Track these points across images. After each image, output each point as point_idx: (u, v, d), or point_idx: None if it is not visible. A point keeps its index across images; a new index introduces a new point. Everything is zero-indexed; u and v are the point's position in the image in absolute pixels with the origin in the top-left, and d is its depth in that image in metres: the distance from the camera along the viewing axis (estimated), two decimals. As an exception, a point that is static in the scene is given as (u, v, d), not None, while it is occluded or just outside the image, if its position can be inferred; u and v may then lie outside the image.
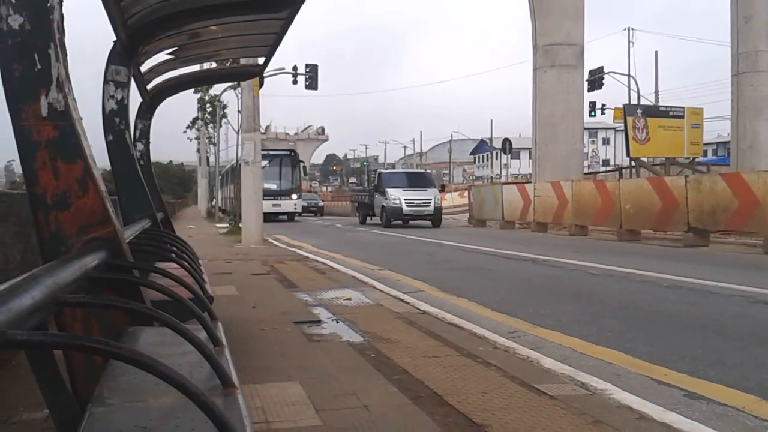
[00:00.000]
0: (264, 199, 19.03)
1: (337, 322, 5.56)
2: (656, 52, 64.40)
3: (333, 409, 3.23)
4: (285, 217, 31.40)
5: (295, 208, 31.33)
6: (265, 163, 21.61)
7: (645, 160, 25.87)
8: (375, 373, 3.88)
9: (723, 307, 6.19)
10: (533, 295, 7.26)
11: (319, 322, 5.60)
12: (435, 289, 7.55)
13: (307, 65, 30.36)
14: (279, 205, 29.58)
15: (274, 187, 28.83)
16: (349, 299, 6.81)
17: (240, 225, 16.49)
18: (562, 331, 5.17)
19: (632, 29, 46.52)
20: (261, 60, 6.70)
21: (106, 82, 4.47)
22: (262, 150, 18.19)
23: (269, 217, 24.46)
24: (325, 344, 4.78)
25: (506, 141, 41.69)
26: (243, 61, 9.79)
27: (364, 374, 3.88)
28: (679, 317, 5.82)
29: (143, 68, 5.55)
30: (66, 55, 2.19)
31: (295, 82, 30.94)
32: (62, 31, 2.17)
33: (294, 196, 31.08)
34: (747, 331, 5.18)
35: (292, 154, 32.94)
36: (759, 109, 23.58)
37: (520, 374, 3.79)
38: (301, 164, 32.61)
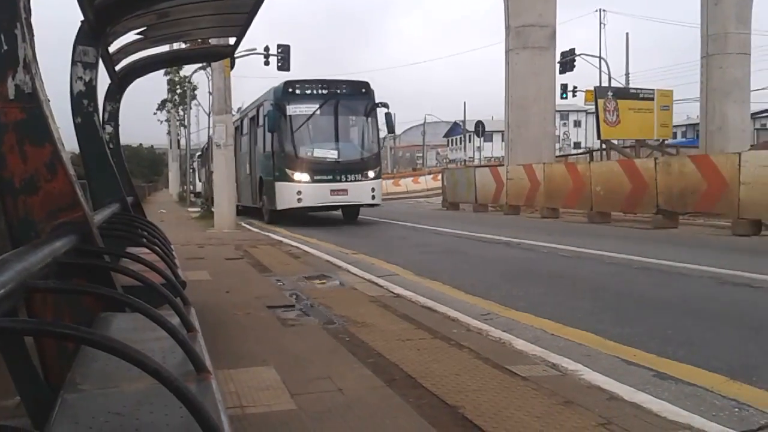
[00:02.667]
0: (312, 180, 15.20)
1: (312, 306, 5.56)
2: (627, 33, 64.72)
3: (307, 392, 3.24)
4: (342, 211, 17.42)
5: (374, 197, 16.04)
6: (307, 108, 15.48)
7: (615, 142, 26.16)
8: (349, 357, 3.90)
9: (692, 289, 6.31)
10: (506, 277, 7.33)
11: (293, 306, 5.59)
12: (409, 272, 7.58)
13: (279, 46, 30.04)
14: (344, 191, 15.48)
15: (329, 155, 15.61)
16: (324, 283, 6.81)
17: (212, 209, 16.36)
18: (534, 313, 5.23)
19: (603, 11, 46.84)
20: (232, 40, 6.62)
21: (73, 63, 4.38)
22: (299, 83, 15.81)
23: (308, 210, 15.89)
24: (299, 328, 4.78)
25: (479, 124, 41.82)
26: (213, 41, 9.63)
27: (338, 358, 3.89)
28: (648, 298, 5.91)
29: (111, 49, 5.45)
30: (33, 35, 2.15)
31: (267, 63, 30.60)
32: (28, 11, 2.12)
33: (371, 174, 16.02)
34: (715, 311, 5.29)
35: (364, 91, 16.58)
36: (728, 91, 23.89)
37: (492, 356, 3.83)
38: (387, 111, 16.68)
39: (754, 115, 41.87)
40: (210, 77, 21.99)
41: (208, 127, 28.60)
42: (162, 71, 30.84)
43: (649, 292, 6.21)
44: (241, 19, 5.42)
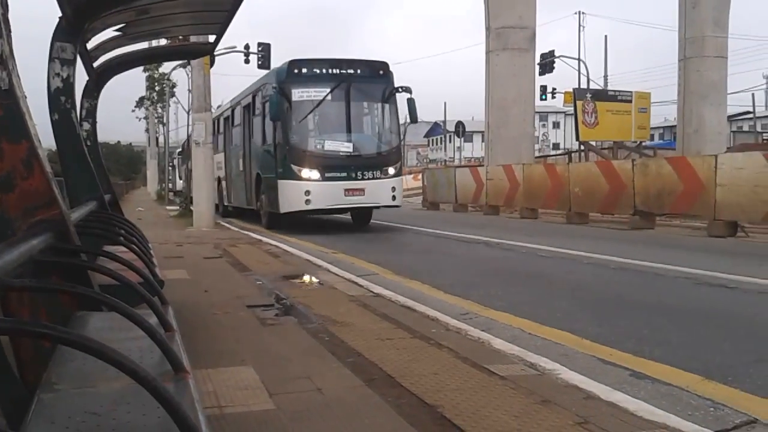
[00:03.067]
0: (323, 178, 12.61)
1: (291, 306, 5.55)
2: (606, 36, 65.28)
3: (286, 392, 3.24)
4: (351, 214, 14.80)
5: (394, 197, 13.54)
6: (317, 93, 13.01)
7: (594, 143, 26.38)
8: (329, 356, 3.90)
9: (668, 289, 6.38)
10: (485, 277, 7.36)
11: (272, 305, 5.58)
12: (389, 272, 7.59)
13: (259, 44, 29.94)
14: (360, 191, 13.01)
15: (343, 149, 13.24)
16: (303, 282, 6.80)
17: (191, 208, 16.26)
18: (512, 313, 5.26)
19: (583, 13, 47.24)
20: (212, 38, 6.58)
21: (51, 59, 4.33)
22: (307, 63, 13.10)
23: (316, 213, 13.57)
24: (278, 328, 4.77)
25: (459, 124, 41.99)
26: (193, 38, 9.58)
27: (317, 357, 3.89)
28: (625, 298, 5.98)
29: (90, 45, 5.39)
30: (10, 30, 2.12)
31: (247, 61, 30.48)
32: (5, 6, 2.10)
33: (391, 170, 13.55)
34: (691, 312, 5.35)
35: (382, 73, 14.02)
36: (705, 94, 24.19)
37: (471, 355, 3.85)
38: (409, 97, 14.25)
39: (731, 118, 42.46)
40: (189, 75, 21.53)
41: (188, 125, 28.11)
42: (141, 68, 30.58)
43: (626, 293, 6.27)
44: (221, 16, 5.39)
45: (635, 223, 12.51)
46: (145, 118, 48.24)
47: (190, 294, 5.95)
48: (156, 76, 37.87)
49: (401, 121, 15.52)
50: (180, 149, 39.78)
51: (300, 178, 12.74)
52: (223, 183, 19.21)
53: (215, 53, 15.56)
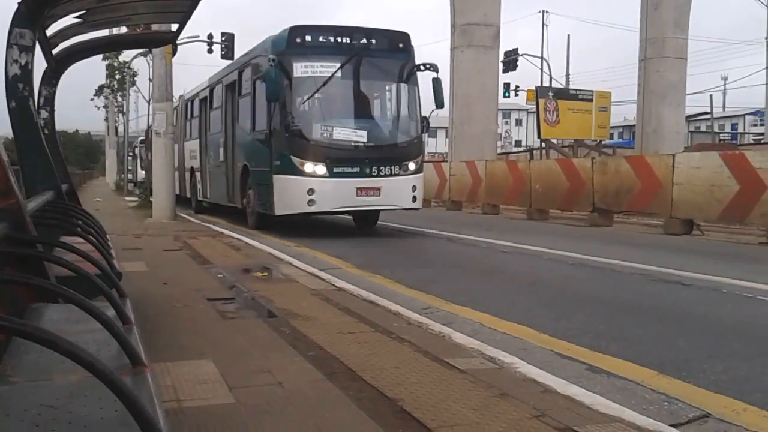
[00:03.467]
0: (331, 174, 10.36)
1: (252, 299, 5.51)
2: (568, 35, 66.07)
3: (246, 386, 3.22)
4: (354, 216, 12.66)
5: (414, 198, 11.17)
6: (324, 68, 10.62)
7: (555, 141, 26.75)
8: (290, 350, 3.88)
9: (624, 285, 6.51)
10: (446, 272, 7.42)
11: (233, 299, 5.53)
12: (351, 266, 7.59)
13: (223, 34, 29.64)
14: (375, 189, 10.74)
15: (355, 138, 10.86)
16: (265, 276, 6.76)
17: (151, 199, 16.02)
18: (473, 307, 5.31)
19: (547, 12, 47.76)
20: (174, 26, 6.48)
21: (9, 45, 4.22)
22: (312, 31, 10.76)
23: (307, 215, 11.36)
24: (239, 321, 4.74)
25: (424, 120, 42.03)
26: (155, 27, 9.43)
27: (278, 351, 3.87)
28: (583, 294, 6.08)
29: (49, 32, 5.27)
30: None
31: (210, 50, 30.14)
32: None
33: (412, 165, 11.21)
34: (647, 308, 5.47)
35: (402, 46, 11.51)
36: (664, 94, 24.68)
37: (432, 349, 3.87)
38: (435, 76, 11.69)
39: (689, 118, 43.38)
40: (151, 63, 20.98)
41: (148, 114, 27.53)
42: (100, 56, 29.99)
43: (584, 288, 6.38)
44: (184, 5, 5.31)
45: (594, 220, 12.71)
46: (105, 106, 47.41)
47: (148, 286, 5.87)
48: (116, 64, 37.20)
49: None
50: (142, 138, 38.87)
51: (302, 174, 10.40)
52: (198, 175, 16.90)
53: (178, 42, 15.30)
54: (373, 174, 10.64)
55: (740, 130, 56.66)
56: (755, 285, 6.10)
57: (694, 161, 11.00)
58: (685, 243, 9.99)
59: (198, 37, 29.66)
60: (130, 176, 36.56)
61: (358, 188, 10.56)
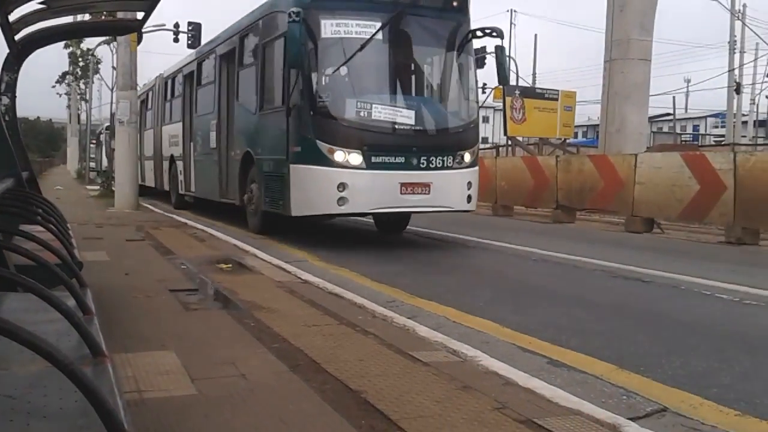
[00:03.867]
0: (368, 164, 8.16)
1: (216, 291, 5.47)
2: (536, 35, 66.66)
3: (209, 377, 3.20)
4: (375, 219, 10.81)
5: (469, 198, 8.85)
6: (359, 27, 8.39)
7: (521, 139, 26.96)
8: (254, 342, 3.87)
9: (586, 281, 6.61)
10: (411, 266, 7.45)
11: (196, 290, 5.49)
12: (317, 258, 7.58)
13: (189, 23, 29.13)
14: (424, 186, 8.37)
15: (401, 118, 8.40)
16: (229, 267, 6.71)
17: (113, 188, 15.76)
18: (437, 301, 5.35)
19: (515, 11, 48.13)
20: (140, 15, 6.38)
21: (-33, 29, 4.12)
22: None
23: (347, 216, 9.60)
24: (202, 313, 4.70)
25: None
26: (120, 14, 9.28)
27: (242, 343, 3.85)
28: (544, 289, 6.16)
29: (12, 18, 5.15)
30: None
31: (176, 39, 29.69)
32: None
33: (467, 156, 8.79)
34: (607, 303, 5.57)
35: (456, 4, 8.96)
36: (628, 95, 24.96)
37: (396, 342, 3.89)
38: (498, 44, 9.30)
39: (652, 119, 44.15)
40: (115, 51, 20.35)
41: (111, 102, 26.93)
42: (63, 43, 29.36)
43: (546, 284, 6.46)
44: (150, -7, 5.23)
45: (557, 217, 12.88)
46: (67, 94, 46.46)
47: (110, 276, 5.79)
48: (79, 52, 36.48)
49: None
50: (108, 125, 37.98)
51: (330, 163, 8.06)
52: (179, 164, 14.71)
53: (143, 30, 15.05)
54: (422, 166, 8.37)
55: (702, 131, 57.88)
56: (713, 282, 6.25)
57: (656, 161, 11.20)
58: (646, 241, 10.17)
59: (164, 25, 29.26)
60: (92, 165, 35.87)
61: (402, 184, 8.25)
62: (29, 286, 1.70)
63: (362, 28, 8.33)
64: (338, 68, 8.29)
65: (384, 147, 8.27)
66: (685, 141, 45.36)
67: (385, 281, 6.19)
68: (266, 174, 9.40)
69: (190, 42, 28.26)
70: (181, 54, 19.88)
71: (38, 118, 74.05)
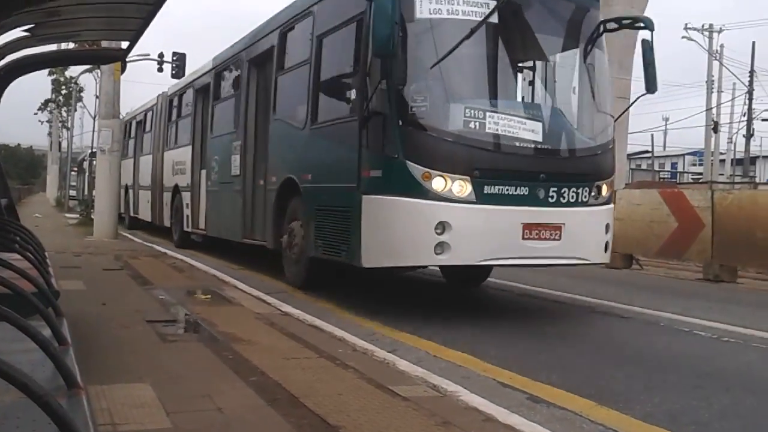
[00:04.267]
0: (481, 197, 5.81)
1: (194, 322, 5.41)
2: (518, 71, 67.31)
3: (185, 411, 3.15)
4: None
5: (606, 246, 6.49)
6: (468, 8, 5.96)
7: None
8: (231, 375, 3.82)
9: (566, 316, 6.64)
10: (392, 299, 7.43)
11: (174, 321, 5.43)
12: (297, 290, 7.53)
13: (174, 53, 29.30)
14: (554, 230, 5.93)
15: (524, 132, 5.91)
16: (208, 298, 6.65)
17: (92, 216, 15.62)
18: (418, 335, 5.33)
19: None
20: (125, 44, 6.41)
21: (-49, 55, 4.11)
22: None
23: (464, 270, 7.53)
24: (179, 344, 4.64)
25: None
26: (105, 43, 9.31)
27: (219, 376, 3.81)
28: (524, 324, 6.16)
29: (-5, 44, 5.15)
30: None
31: (160, 69, 29.76)
32: None
33: (605, 189, 6.39)
34: (586, 339, 5.59)
35: None
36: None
37: (376, 376, 3.86)
38: (646, 38, 6.77)
39: (630, 156, 44.74)
40: (98, 80, 20.15)
41: (93, 131, 26.78)
42: (46, 70, 29.33)
43: (525, 319, 6.47)
44: (135, 23, 5.26)
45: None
46: (49, 121, 46.32)
47: (86, 306, 5.71)
48: (62, 79, 36.47)
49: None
50: (92, 151, 37.74)
51: (425, 194, 5.75)
52: (185, 195, 12.50)
53: (127, 60, 15.09)
54: (551, 200, 6.03)
55: (680, 169, 58.69)
56: (691, 319, 6.29)
57: (635, 198, 11.33)
58: (625, 276, 10.24)
59: (149, 55, 29.32)
60: (72, 192, 35.58)
61: (525, 225, 5.90)
62: (4, 315, 1.68)
63: (471, 7, 6.04)
64: (439, 62, 5.76)
65: (502, 172, 5.89)
66: (664, 178, 45.96)
67: (366, 314, 6.15)
68: (320, 208, 6.92)
69: (174, 72, 28.37)
70: (165, 84, 19.41)
71: (19, 145, 73.67)
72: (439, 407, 3.35)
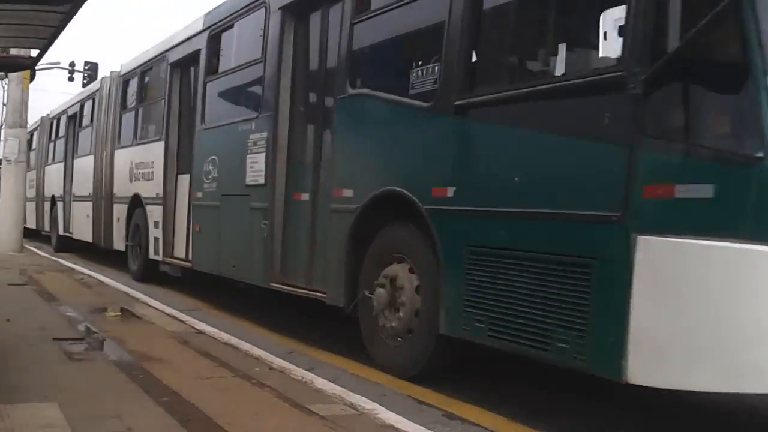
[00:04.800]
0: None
1: (103, 340, 5.23)
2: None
3: (93, 431, 3.04)
4: None
5: None
6: None
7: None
8: (142, 395, 3.71)
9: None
10: (312, 316, 7.39)
11: (82, 339, 5.23)
12: (213, 308, 7.39)
13: (86, 62, 28.44)
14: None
15: None
16: (118, 315, 6.44)
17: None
18: (337, 352, 5.33)
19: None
20: (34, 52, 6.19)
21: None
22: None
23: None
24: (87, 363, 4.47)
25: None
26: (14, 51, 8.95)
27: (129, 396, 3.69)
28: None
29: None
30: None
31: (71, 78, 28.85)
32: None
33: None
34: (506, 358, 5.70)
35: None
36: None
37: (293, 395, 3.83)
38: None
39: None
40: (5, 87, 19.14)
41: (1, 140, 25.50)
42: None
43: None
44: (46, 32, 5.10)
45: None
46: (-52, 128, 43.89)
47: (-13, 324, 5.43)
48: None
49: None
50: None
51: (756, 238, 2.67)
52: (152, 210, 9.22)
53: (36, 68, 14.50)
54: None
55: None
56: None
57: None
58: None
59: (59, 63, 28.31)
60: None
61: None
62: None
63: None
64: None
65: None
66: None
67: (284, 332, 6.10)
68: (485, 252, 3.92)
69: (85, 82, 27.53)
70: (76, 92, 18.18)
71: None
72: (356, 425, 3.36)
